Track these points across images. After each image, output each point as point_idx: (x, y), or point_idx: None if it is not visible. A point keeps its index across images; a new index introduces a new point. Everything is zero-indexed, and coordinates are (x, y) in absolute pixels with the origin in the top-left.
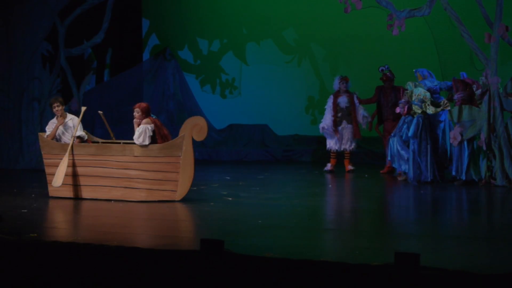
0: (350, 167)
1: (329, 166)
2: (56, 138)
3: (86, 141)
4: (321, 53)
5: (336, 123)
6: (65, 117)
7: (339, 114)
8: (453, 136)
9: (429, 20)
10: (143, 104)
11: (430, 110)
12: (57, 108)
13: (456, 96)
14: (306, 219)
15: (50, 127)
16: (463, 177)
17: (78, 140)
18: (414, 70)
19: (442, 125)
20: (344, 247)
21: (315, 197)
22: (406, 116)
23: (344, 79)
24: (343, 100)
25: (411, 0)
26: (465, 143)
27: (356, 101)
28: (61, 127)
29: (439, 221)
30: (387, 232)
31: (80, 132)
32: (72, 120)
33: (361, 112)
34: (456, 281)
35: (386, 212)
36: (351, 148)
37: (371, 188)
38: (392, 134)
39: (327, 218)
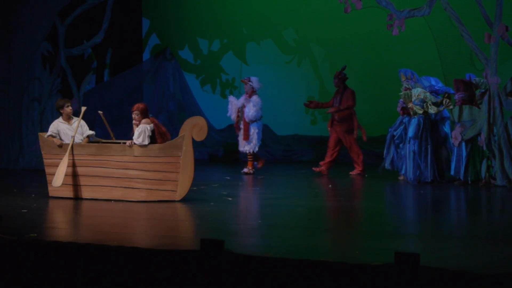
0: (245, 169)
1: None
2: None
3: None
4: (321, 53)
5: (238, 123)
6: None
7: (240, 114)
8: (454, 136)
9: (429, 20)
10: (141, 106)
11: (433, 110)
12: (71, 108)
13: (457, 96)
14: (306, 219)
15: (54, 127)
16: (462, 177)
17: (86, 139)
18: (398, 70)
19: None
20: (344, 247)
21: (315, 197)
22: (404, 116)
23: (244, 80)
24: (240, 101)
25: (411, 0)
26: (463, 143)
27: (249, 103)
28: (65, 129)
29: (439, 221)
30: (387, 232)
31: (89, 132)
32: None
33: (249, 112)
34: (456, 281)
35: (386, 212)
36: (245, 150)
37: (371, 188)
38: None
39: (327, 218)
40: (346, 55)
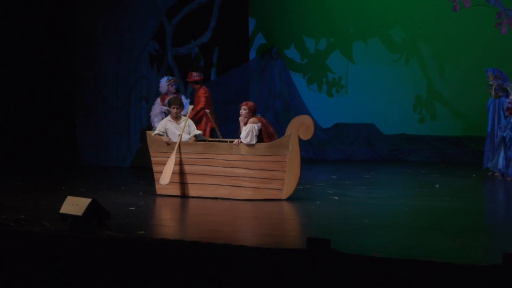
0: None
1: None
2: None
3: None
4: (428, 52)
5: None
6: (179, 120)
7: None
8: None
9: None
10: (250, 103)
11: None
12: (177, 110)
13: None
14: (413, 218)
15: (162, 126)
16: None
17: (193, 138)
18: (485, 70)
19: None
20: (451, 247)
21: (421, 197)
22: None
23: (173, 81)
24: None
25: None
26: None
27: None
28: (173, 128)
29: None
30: (495, 232)
31: (196, 131)
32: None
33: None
34: None
35: (493, 212)
36: None
37: (478, 187)
38: (500, 133)
39: (434, 218)
40: (454, 53)
